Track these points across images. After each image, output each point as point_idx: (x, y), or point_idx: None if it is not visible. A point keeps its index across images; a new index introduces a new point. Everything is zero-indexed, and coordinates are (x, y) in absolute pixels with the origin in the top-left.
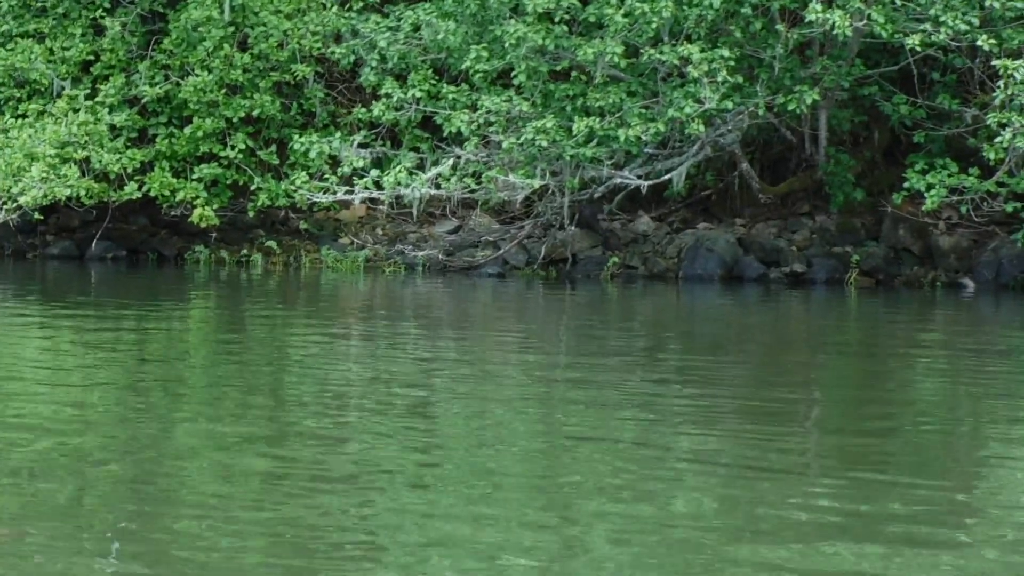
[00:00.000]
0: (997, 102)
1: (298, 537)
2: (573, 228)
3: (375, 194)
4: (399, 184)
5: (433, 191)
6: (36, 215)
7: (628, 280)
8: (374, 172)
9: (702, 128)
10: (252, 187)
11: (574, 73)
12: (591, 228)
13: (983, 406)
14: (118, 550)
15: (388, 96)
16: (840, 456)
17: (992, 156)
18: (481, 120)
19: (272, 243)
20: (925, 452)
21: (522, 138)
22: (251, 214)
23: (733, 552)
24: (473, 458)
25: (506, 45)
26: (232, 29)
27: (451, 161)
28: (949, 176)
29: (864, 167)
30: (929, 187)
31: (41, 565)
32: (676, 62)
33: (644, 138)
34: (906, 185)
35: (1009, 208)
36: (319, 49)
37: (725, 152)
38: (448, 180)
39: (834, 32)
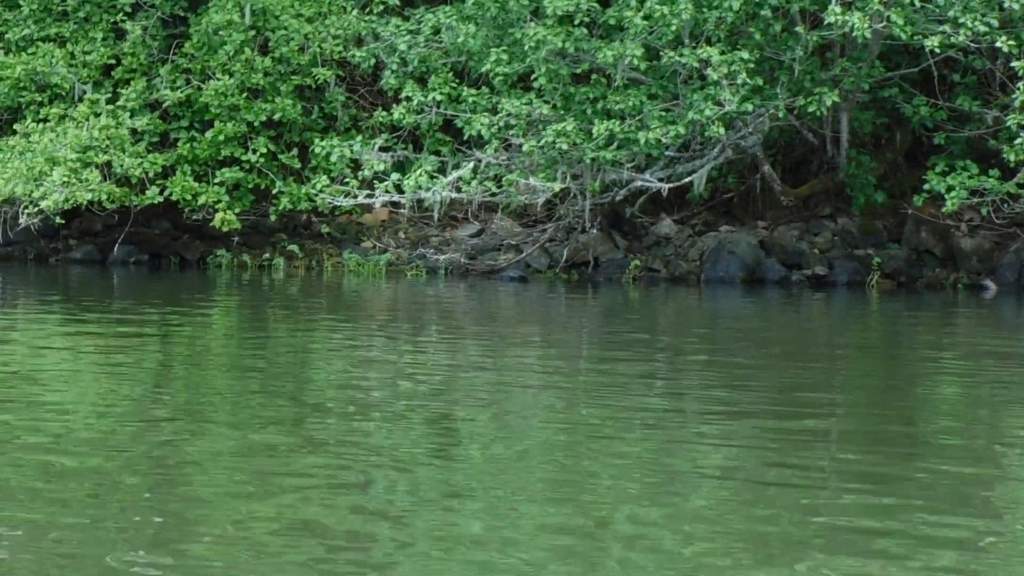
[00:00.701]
0: (1017, 103)
1: (316, 541)
2: (595, 231)
3: (396, 198)
4: (420, 188)
5: (454, 195)
6: (58, 219)
7: (650, 283)
8: (395, 176)
9: (722, 131)
10: (274, 191)
11: (594, 76)
12: (619, 230)
13: (1004, 413)
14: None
15: (408, 99)
16: (856, 465)
17: (1012, 158)
18: (501, 123)
19: (294, 247)
20: (945, 470)
21: (542, 141)
22: (273, 218)
23: (749, 561)
24: (494, 466)
25: (526, 48)
26: (253, 33)
27: (472, 164)
28: (969, 178)
29: (886, 169)
30: (949, 189)
31: (59, 568)
32: (696, 64)
33: (664, 141)
34: (926, 187)
35: None
36: (340, 53)
37: (747, 155)
38: (469, 184)
39: (853, 34)
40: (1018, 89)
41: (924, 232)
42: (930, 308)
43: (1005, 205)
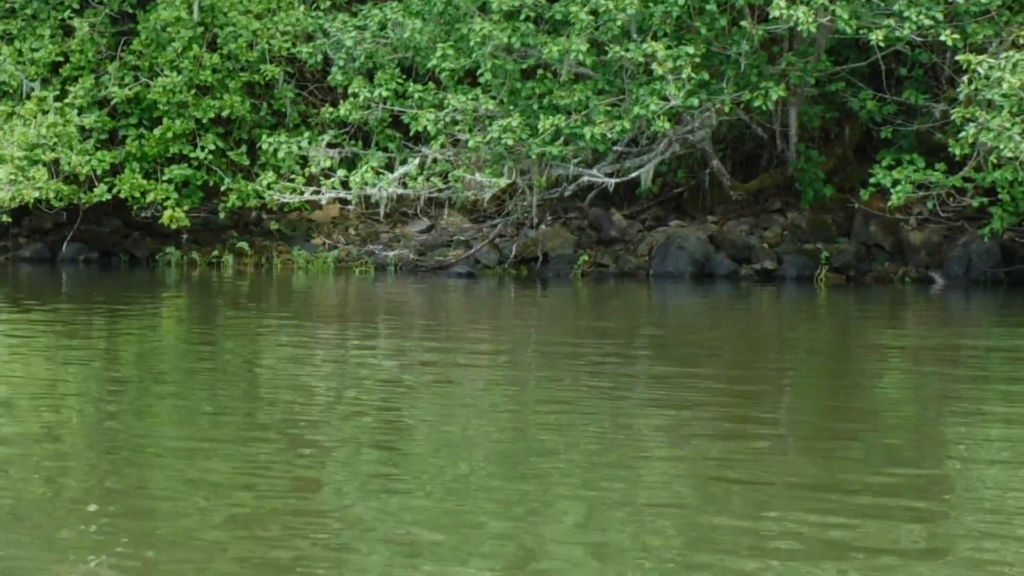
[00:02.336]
0: (961, 97)
1: (270, 537)
2: (544, 227)
3: (342, 194)
4: (366, 184)
5: (400, 191)
6: (4, 217)
7: (599, 278)
8: (341, 172)
9: (667, 125)
10: (223, 188)
11: (540, 71)
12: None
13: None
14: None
15: (355, 96)
16: (806, 453)
17: (958, 152)
18: (447, 119)
19: (243, 244)
20: (894, 453)
21: (488, 137)
22: (222, 215)
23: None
24: (442, 462)
25: (472, 44)
26: (201, 30)
27: (418, 160)
28: (915, 172)
29: (836, 163)
30: (895, 183)
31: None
32: (642, 59)
33: (610, 136)
34: (872, 181)
35: (976, 204)
36: (288, 49)
37: (696, 149)
38: (415, 179)
39: (799, 28)
40: (963, 83)
41: (873, 226)
42: (870, 302)
43: (951, 199)
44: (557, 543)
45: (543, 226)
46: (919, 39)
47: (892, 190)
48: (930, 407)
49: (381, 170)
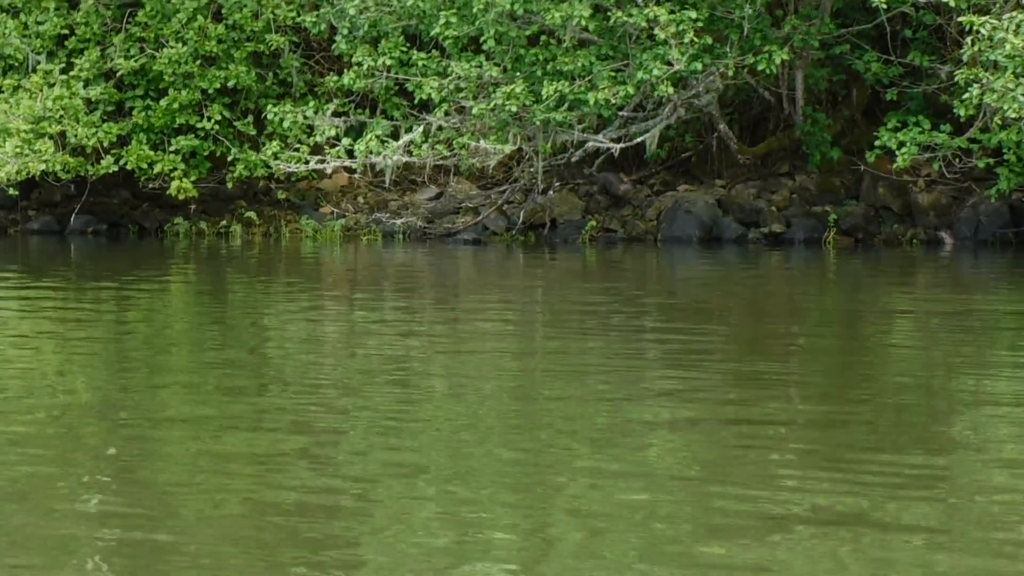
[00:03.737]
0: (965, 58)
1: (278, 519)
2: (552, 192)
3: (347, 163)
4: (371, 152)
5: (406, 159)
6: (12, 190)
7: (607, 244)
8: (346, 140)
9: (670, 90)
10: (230, 158)
11: (544, 37)
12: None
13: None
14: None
15: (359, 64)
16: (816, 423)
17: (963, 113)
18: (451, 86)
19: (252, 214)
20: (903, 421)
21: (492, 104)
22: (230, 186)
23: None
24: (451, 442)
25: (475, 10)
26: (206, 0)
27: (422, 128)
28: (920, 133)
29: (843, 126)
30: (900, 145)
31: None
32: (645, 24)
33: (614, 101)
34: (877, 143)
35: (982, 164)
36: (293, 18)
37: (703, 114)
38: (420, 147)
39: None
40: (966, 44)
41: (881, 188)
42: (879, 264)
43: (957, 160)
44: (566, 511)
45: (551, 192)
46: (922, 0)
47: (897, 152)
48: (939, 371)
49: (386, 138)
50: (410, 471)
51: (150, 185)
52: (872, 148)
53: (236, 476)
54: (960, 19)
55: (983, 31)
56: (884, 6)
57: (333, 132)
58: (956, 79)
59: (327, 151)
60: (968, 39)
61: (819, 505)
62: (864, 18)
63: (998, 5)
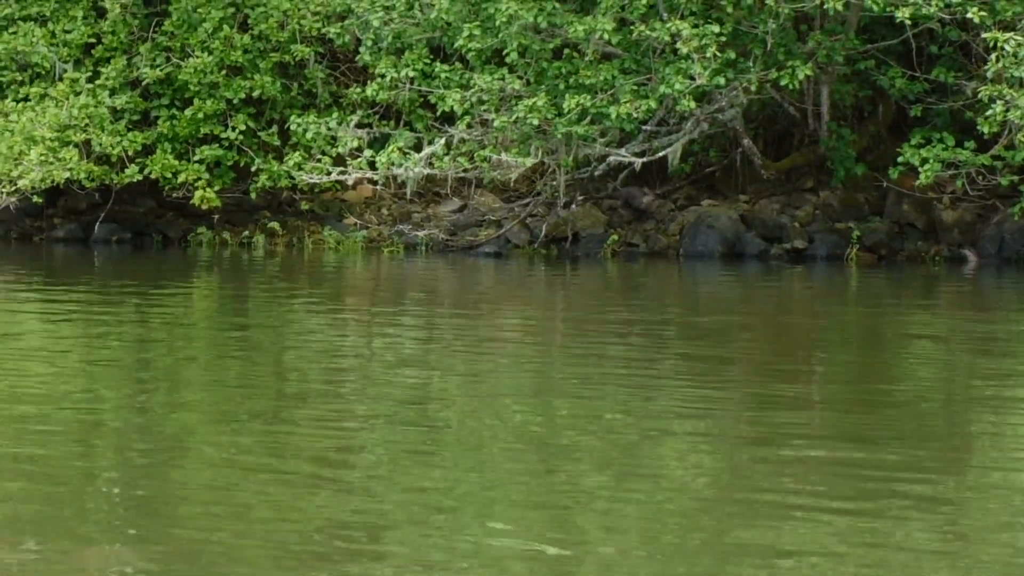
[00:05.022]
0: (989, 75)
1: (298, 523)
2: (574, 206)
3: (369, 174)
4: (393, 164)
5: (428, 171)
6: (36, 198)
7: (629, 258)
8: (367, 152)
9: (692, 104)
10: (253, 168)
11: (567, 51)
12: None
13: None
14: None
15: (383, 76)
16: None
17: (986, 130)
18: (474, 99)
19: (275, 224)
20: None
21: (514, 116)
22: (253, 196)
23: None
24: (473, 439)
25: (498, 23)
26: (232, 10)
27: (444, 140)
28: (944, 150)
29: (868, 142)
30: (923, 161)
31: (38, 550)
32: (667, 38)
33: (636, 115)
34: (900, 159)
35: (1005, 182)
36: (319, 29)
37: (728, 128)
38: (442, 160)
39: (826, 6)
40: (991, 60)
41: (906, 205)
42: (902, 283)
43: (981, 177)
44: (587, 517)
45: (574, 206)
46: (947, 16)
47: (920, 169)
48: (959, 393)
49: (408, 150)
50: (433, 493)
51: (174, 194)
52: (896, 164)
53: (258, 495)
54: (984, 35)
55: (1007, 47)
56: (910, 22)
57: (356, 143)
58: (980, 96)
59: (349, 162)
60: (993, 56)
61: (834, 520)
62: (890, 34)
63: (1023, 21)
